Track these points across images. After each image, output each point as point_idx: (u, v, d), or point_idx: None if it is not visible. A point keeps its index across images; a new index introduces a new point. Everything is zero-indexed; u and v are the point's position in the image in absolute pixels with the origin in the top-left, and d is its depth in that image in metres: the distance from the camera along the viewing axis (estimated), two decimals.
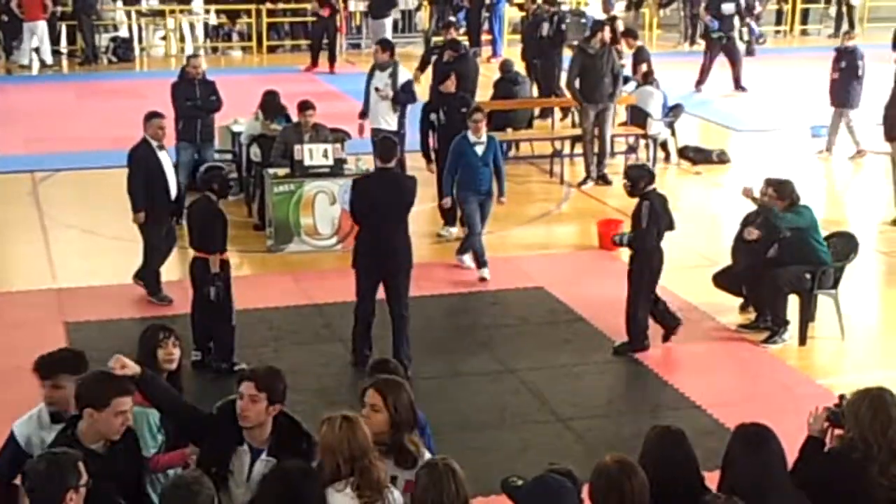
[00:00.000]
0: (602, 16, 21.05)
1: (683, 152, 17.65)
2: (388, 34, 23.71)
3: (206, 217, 10.39)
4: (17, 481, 5.81)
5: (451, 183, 12.81)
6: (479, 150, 12.56)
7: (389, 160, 10.33)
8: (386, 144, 10.56)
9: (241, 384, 5.96)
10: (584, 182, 16.20)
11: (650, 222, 10.45)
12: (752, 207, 11.36)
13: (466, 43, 21.87)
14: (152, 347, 6.82)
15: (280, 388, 6.02)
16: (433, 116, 14.08)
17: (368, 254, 10.19)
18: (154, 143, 11.70)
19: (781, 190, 10.83)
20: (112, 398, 5.65)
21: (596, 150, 16.26)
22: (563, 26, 19.51)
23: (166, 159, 11.85)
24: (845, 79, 17.26)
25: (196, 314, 10.42)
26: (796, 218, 10.79)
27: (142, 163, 11.75)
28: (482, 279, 12.48)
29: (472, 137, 12.58)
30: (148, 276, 11.95)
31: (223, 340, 10.26)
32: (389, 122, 14.65)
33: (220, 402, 6.19)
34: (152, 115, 11.91)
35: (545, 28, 19.70)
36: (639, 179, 10.68)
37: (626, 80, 18.07)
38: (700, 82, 22.28)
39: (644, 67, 17.87)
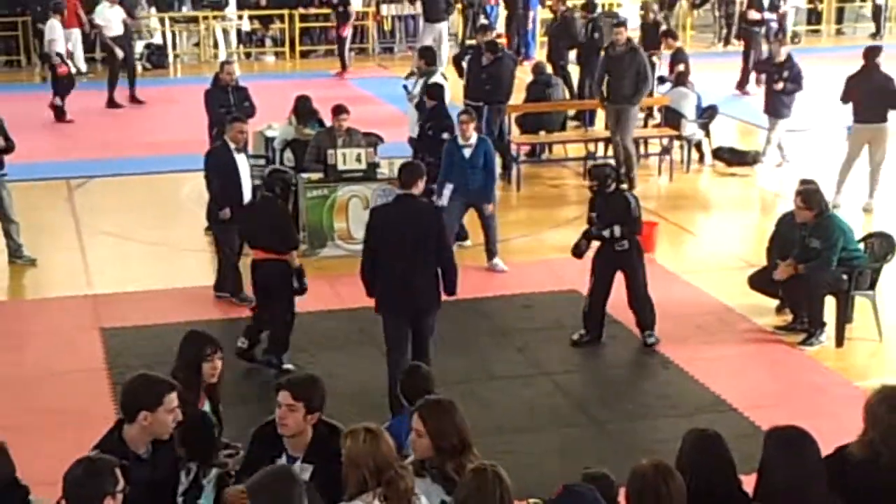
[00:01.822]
0: (627, 16, 20.93)
1: (718, 153, 17.55)
2: (446, 41, 23.53)
3: (278, 217, 10.53)
4: None
5: (442, 184, 12.87)
6: (467, 152, 12.64)
7: (409, 185, 9.29)
8: (408, 168, 9.57)
9: (279, 393, 6.00)
10: None
11: (640, 212, 10.97)
12: (789, 208, 11.29)
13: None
14: (198, 362, 6.78)
15: (318, 396, 6.04)
16: None
17: (389, 295, 9.33)
18: (232, 146, 11.86)
19: (810, 200, 10.75)
20: (164, 395, 5.72)
21: (609, 153, 16.20)
22: (597, 34, 19.38)
23: (243, 163, 11.97)
24: (791, 89, 16.64)
25: (259, 309, 10.55)
26: (841, 238, 10.71)
27: (213, 163, 11.97)
28: None
29: (460, 140, 12.71)
30: (227, 276, 12.05)
31: (278, 336, 10.35)
32: (416, 130, 14.66)
33: (255, 429, 6.27)
34: (234, 119, 12.15)
35: (581, 35, 19.68)
36: (606, 178, 10.95)
37: (662, 80, 18.00)
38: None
39: (681, 68, 17.77)
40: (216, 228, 12.21)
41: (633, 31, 21.02)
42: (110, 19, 21.86)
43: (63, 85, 20.50)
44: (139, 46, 25.75)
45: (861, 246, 11.14)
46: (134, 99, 21.81)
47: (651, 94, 18.14)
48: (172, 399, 5.76)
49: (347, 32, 24.43)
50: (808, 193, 10.84)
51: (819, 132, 19.07)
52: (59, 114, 20.44)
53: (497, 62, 16.14)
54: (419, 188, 9.38)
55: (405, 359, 9.08)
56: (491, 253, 12.94)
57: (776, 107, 16.79)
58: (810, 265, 10.68)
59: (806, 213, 10.74)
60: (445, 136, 13.23)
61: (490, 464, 5.30)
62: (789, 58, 16.90)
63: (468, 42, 23.76)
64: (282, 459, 6.03)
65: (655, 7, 22.09)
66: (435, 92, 14.05)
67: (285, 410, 5.95)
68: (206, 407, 6.76)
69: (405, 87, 15.17)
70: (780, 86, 16.60)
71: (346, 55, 24.57)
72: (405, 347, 9.27)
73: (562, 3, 21.17)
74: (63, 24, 21.00)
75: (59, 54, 20.60)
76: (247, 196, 11.95)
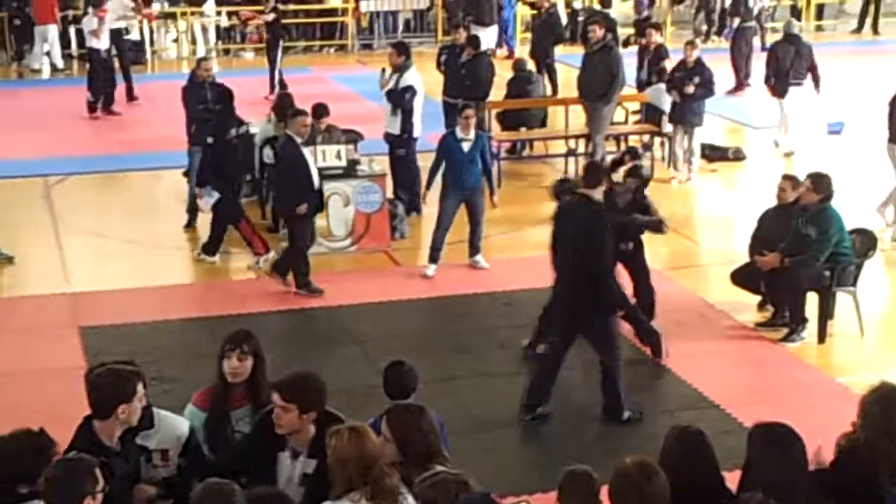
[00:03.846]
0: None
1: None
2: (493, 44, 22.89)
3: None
4: None
5: (433, 177, 12.89)
6: (466, 146, 12.52)
7: (590, 185, 9.11)
8: (591, 168, 9.54)
9: (273, 394, 5.95)
10: None
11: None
12: (771, 204, 11.29)
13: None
14: (220, 358, 6.64)
15: (311, 394, 5.98)
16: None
17: (557, 294, 9.53)
18: (298, 140, 11.84)
19: (819, 183, 10.72)
20: (136, 385, 5.73)
21: (588, 150, 16.23)
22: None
23: (308, 155, 11.94)
24: (701, 94, 16.15)
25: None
26: (836, 234, 10.71)
27: (285, 159, 11.98)
28: (424, 276, 12.53)
29: (459, 134, 12.60)
30: (299, 267, 12.01)
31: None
32: (392, 125, 14.59)
33: (258, 415, 6.24)
34: (297, 113, 12.08)
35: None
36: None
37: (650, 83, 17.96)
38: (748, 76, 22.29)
39: (666, 64, 17.67)
40: (290, 222, 12.12)
41: (626, 29, 21.10)
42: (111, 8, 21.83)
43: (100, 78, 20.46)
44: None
45: (849, 244, 11.10)
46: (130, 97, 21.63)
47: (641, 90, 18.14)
48: (141, 387, 5.77)
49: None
50: (820, 177, 10.81)
51: (798, 130, 19.09)
52: (92, 109, 20.37)
53: (477, 59, 16.10)
54: (601, 190, 9.20)
55: (557, 357, 9.42)
56: (475, 249, 12.87)
57: (685, 114, 16.17)
58: (796, 259, 10.67)
59: (812, 195, 10.70)
60: (233, 132, 13.11)
61: (452, 473, 5.23)
62: (699, 61, 16.39)
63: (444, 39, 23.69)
64: (285, 453, 6.00)
65: (646, 0, 22.07)
66: (226, 92, 13.89)
67: (279, 411, 5.91)
68: (243, 411, 6.58)
69: (383, 70, 15.02)
70: (690, 89, 15.98)
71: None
72: (560, 348, 9.48)
73: None
74: (100, 18, 20.79)
75: (98, 49, 20.49)
76: (316, 187, 11.94)
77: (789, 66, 17.38)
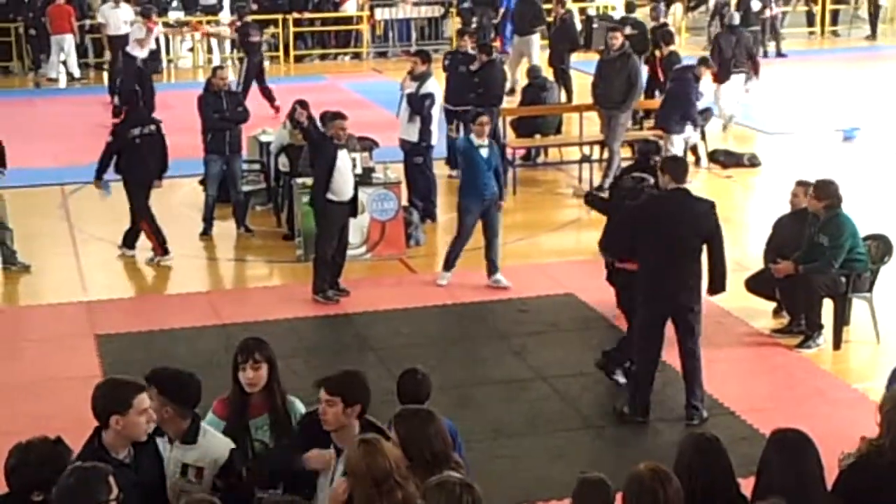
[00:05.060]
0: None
1: (714, 156, 17.54)
2: (536, 53, 22.18)
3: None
4: None
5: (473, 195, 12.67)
6: (485, 153, 12.28)
7: (682, 179, 9.38)
8: (676, 162, 9.85)
9: (320, 392, 6.06)
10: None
11: None
12: (786, 210, 11.27)
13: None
14: (235, 370, 6.62)
15: (355, 389, 6.08)
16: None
17: (648, 287, 9.43)
18: (335, 143, 11.88)
19: (821, 190, 10.69)
20: (132, 397, 5.60)
21: (605, 156, 16.23)
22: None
23: (345, 158, 11.94)
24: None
25: None
26: (850, 234, 10.67)
27: (319, 156, 12.01)
28: (438, 284, 12.48)
29: (476, 140, 12.37)
30: (319, 272, 12.02)
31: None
32: (410, 132, 14.59)
33: (300, 419, 6.37)
34: (334, 116, 12.09)
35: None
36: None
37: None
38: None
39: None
40: (319, 225, 12.09)
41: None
42: (108, 16, 21.90)
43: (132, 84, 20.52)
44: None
45: (863, 249, 11.06)
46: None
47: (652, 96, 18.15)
48: (142, 400, 5.62)
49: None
50: (821, 184, 10.76)
51: (812, 136, 19.08)
52: (117, 114, 20.32)
53: (489, 65, 16.07)
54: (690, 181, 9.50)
55: (654, 355, 9.42)
56: (494, 267, 12.49)
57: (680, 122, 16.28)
58: (810, 266, 10.65)
59: (815, 202, 10.68)
60: (136, 131, 13.17)
61: (457, 476, 5.23)
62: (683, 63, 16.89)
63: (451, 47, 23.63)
64: (329, 449, 6.07)
65: (662, 7, 22.02)
66: (132, 97, 13.97)
67: (324, 406, 6.03)
68: (262, 419, 6.59)
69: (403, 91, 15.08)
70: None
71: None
72: (655, 343, 9.43)
73: (560, 5, 21.11)
74: (149, 29, 20.91)
75: (135, 58, 20.63)
76: (349, 191, 11.92)
77: (731, 55, 18.99)
